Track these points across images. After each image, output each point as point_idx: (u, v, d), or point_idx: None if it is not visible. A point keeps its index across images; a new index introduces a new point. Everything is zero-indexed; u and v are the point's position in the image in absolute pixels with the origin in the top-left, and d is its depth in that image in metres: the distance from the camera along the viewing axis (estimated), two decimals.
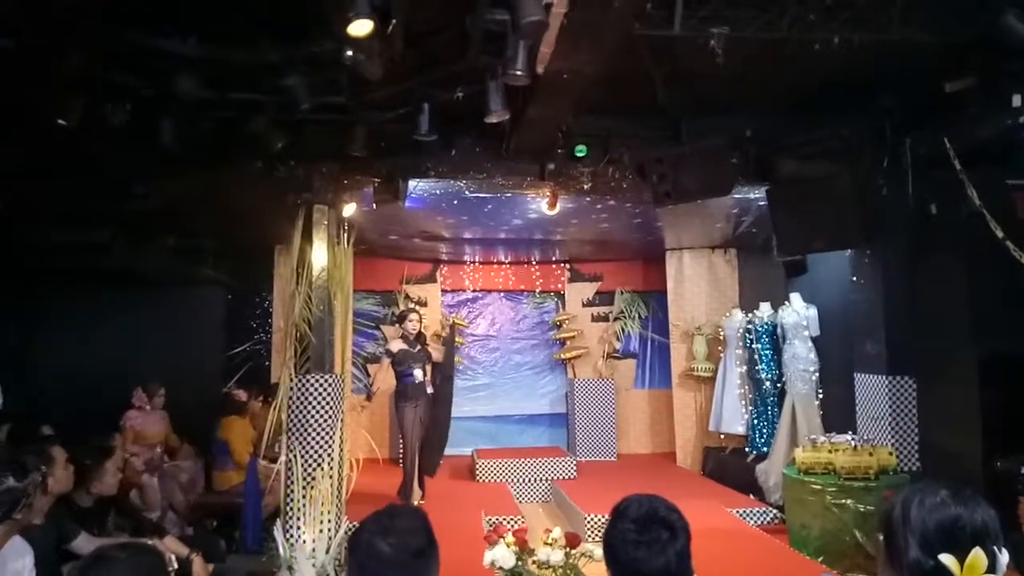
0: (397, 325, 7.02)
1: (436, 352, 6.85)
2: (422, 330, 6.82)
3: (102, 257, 6.55)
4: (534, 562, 3.13)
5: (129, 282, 7.17)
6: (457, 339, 8.91)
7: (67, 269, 6.75)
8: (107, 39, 3.62)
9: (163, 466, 5.92)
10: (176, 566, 3.47)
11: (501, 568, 3.13)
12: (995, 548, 1.39)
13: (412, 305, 8.01)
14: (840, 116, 5.22)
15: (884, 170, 5.22)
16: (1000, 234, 4.41)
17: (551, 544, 3.14)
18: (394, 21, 3.17)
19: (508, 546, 3.13)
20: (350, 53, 3.31)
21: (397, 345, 6.56)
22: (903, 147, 5.11)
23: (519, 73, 3.37)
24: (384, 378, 6.73)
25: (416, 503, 6.21)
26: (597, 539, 5.47)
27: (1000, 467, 4.11)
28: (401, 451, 6.80)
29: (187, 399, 6.61)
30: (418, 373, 6.45)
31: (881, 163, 5.21)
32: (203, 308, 7.74)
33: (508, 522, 5.49)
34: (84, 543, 3.33)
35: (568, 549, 3.13)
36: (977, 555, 1.35)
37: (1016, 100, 4.06)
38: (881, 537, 1.52)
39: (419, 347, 6.60)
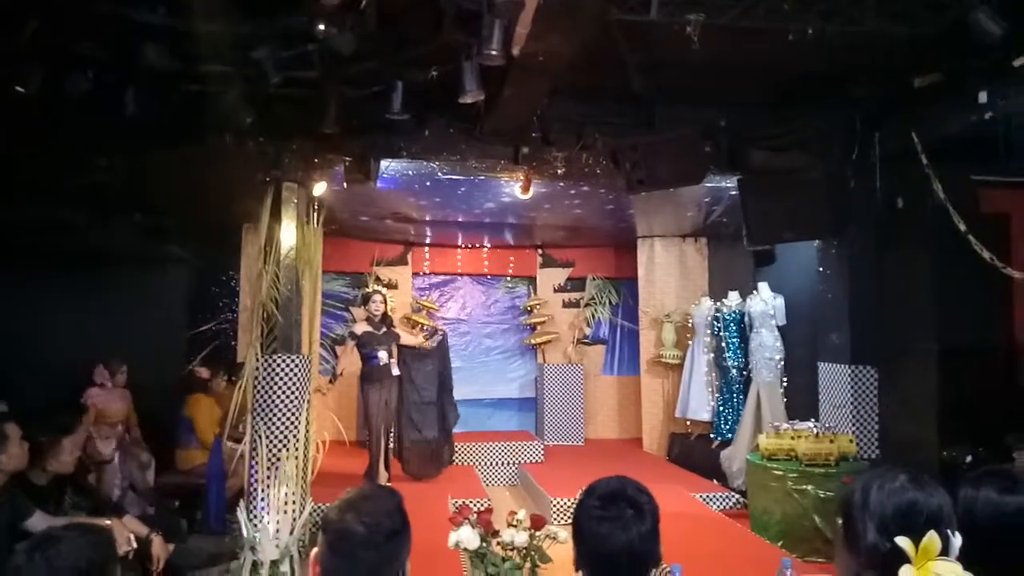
0: (362, 307, 7.00)
1: (409, 338, 6.82)
2: (388, 312, 6.77)
3: (64, 234, 6.39)
4: (498, 543, 3.14)
5: (92, 259, 7.00)
6: (429, 323, 8.89)
7: (27, 246, 6.57)
8: (70, 5, 3.50)
9: (125, 445, 5.82)
10: (135, 546, 3.42)
11: (466, 549, 3.14)
12: (948, 532, 1.42)
13: (377, 287, 7.89)
14: (812, 108, 5.26)
15: (853, 163, 5.28)
16: (963, 228, 4.50)
17: (516, 525, 3.15)
18: None
19: (472, 527, 3.13)
20: (322, 27, 3.25)
21: (361, 327, 6.54)
22: (872, 140, 5.18)
23: (494, 53, 3.33)
24: (350, 360, 6.76)
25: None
26: (563, 522, 5.50)
27: (945, 457, 4.21)
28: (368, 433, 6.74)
29: (151, 378, 6.50)
30: (383, 355, 6.42)
31: (850, 156, 5.27)
32: (168, 286, 7.58)
33: (474, 505, 5.50)
34: (39, 522, 3.26)
35: (532, 531, 3.14)
36: (931, 538, 1.38)
37: (982, 96, 4.13)
38: (840, 521, 1.55)
39: (385, 329, 6.56)
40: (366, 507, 1.51)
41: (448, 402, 7.00)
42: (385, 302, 6.75)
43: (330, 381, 7.24)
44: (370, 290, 7.19)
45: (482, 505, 5.54)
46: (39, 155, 5.06)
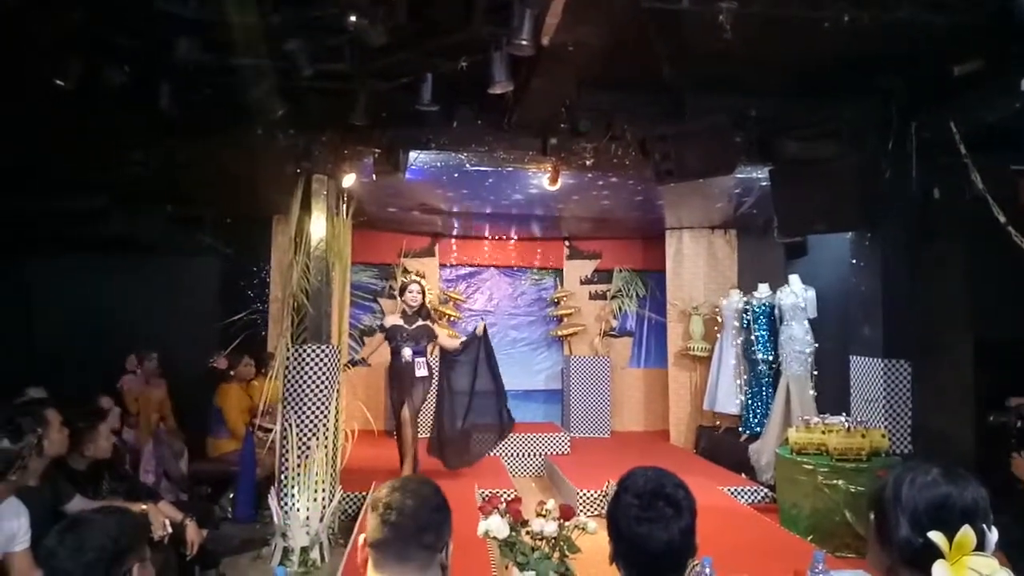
0: (398, 298, 6.51)
1: (446, 340, 6.39)
2: (426, 303, 6.29)
3: (99, 224, 6.52)
4: (528, 533, 3.16)
5: (125, 250, 7.15)
6: (455, 314, 8.92)
7: (64, 236, 6.72)
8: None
9: (159, 433, 5.95)
10: (170, 531, 3.50)
11: (495, 538, 3.15)
12: (984, 526, 1.40)
13: (415, 276, 7.13)
14: (845, 98, 5.17)
15: (888, 153, 5.18)
16: (1002, 219, 4.39)
17: (545, 515, 3.16)
18: None
19: (502, 516, 3.15)
20: (353, 19, 3.27)
21: (391, 320, 6.24)
22: (908, 130, 5.07)
23: (524, 43, 3.32)
24: (370, 349, 6.45)
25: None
26: (590, 514, 5.51)
27: (993, 421, 4.05)
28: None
29: (185, 367, 6.63)
30: (406, 352, 5.96)
31: (885, 146, 5.17)
32: (200, 277, 7.72)
33: (502, 495, 5.52)
34: (79, 505, 3.34)
35: (562, 521, 3.15)
36: (966, 533, 1.36)
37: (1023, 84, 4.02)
38: (872, 515, 1.53)
39: (419, 322, 6.11)
40: (411, 486, 1.65)
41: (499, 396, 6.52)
42: (423, 292, 6.22)
43: (346, 366, 6.64)
44: (407, 279, 6.53)
45: (509, 496, 5.56)
46: (77, 147, 5.17)
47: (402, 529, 1.57)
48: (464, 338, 6.70)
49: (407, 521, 1.57)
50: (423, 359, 6.08)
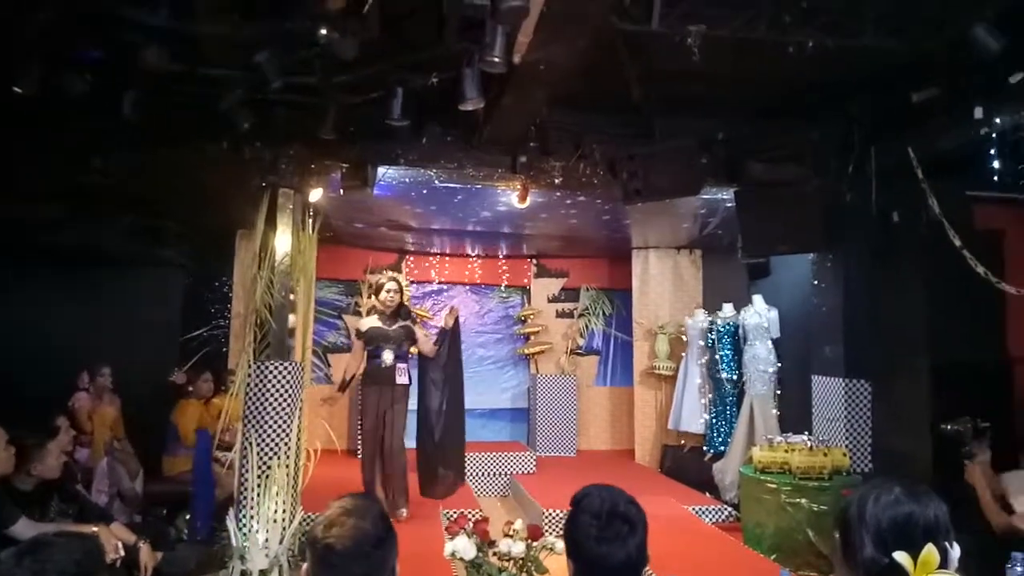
0: (373, 297, 5.92)
1: (426, 343, 5.83)
2: (404, 302, 5.78)
3: (57, 234, 6.35)
4: (495, 554, 3.12)
5: (84, 261, 6.97)
6: (421, 331, 8.82)
7: (20, 245, 6.53)
8: (71, 4, 3.49)
9: (112, 451, 5.77)
10: (123, 553, 3.37)
11: (462, 559, 3.11)
12: (946, 544, 1.43)
13: (389, 273, 6.28)
14: (810, 122, 5.30)
15: (849, 176, 5.31)
16: (958, 243, 4.52)
17: (512, 536, 3.13)
18: (370, 0, 3.11)
19: (469, 537, 3.10)
20: (324, 32, 3.25)
21: (368, 322, 5.69)
22: (869, 154, 5.21)
23: (496, 60, 3.33)
24: (355, 364, 5.81)
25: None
26: (556, 534, 5.46)
27: (949, 431, 4.10)
28: (360, 443, 6.10)
29: (142, 383, 6.44)
30: (387, 356, 5.52)
31: (847, 169, 5.30)
32: (160, 290, 7.55)
33: (467, 516, 5.44)
34: (24, 528, 3.21)
35: (530, 541, 3.12)
36: (929, 551, 1.38)
37: (978, 112, 4.16)
38: (837, 535, 1.54)
39: (399, 323, 5.64)
40: (350, 521, 1.55)
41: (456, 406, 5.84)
42: (400, 291, 5.71)
43: (339, 389, 5.89)
44: (382, 278, 5.85)
45: (474, 516, 5.48)
46: (35, 155, 5.03)
47: (345, 573, 1.52)
48: (435, 335, 6.10)
49: (349, 564, 1.52)
50: (404, 365, 5.59)
